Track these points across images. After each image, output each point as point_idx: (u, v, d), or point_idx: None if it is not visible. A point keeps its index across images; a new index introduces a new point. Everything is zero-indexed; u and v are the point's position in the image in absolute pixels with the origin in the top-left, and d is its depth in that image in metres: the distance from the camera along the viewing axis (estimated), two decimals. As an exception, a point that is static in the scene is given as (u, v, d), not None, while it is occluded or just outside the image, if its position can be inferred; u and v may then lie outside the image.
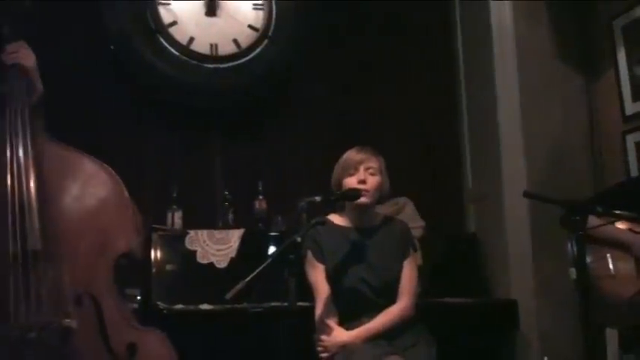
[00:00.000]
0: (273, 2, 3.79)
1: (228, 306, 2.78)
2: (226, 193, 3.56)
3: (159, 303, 2.96)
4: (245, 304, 2.94)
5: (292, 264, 2.23)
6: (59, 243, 2.09)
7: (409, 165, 3.88)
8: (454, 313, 3.22)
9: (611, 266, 2.56)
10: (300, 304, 2.28)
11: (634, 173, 3.47)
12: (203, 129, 3.73)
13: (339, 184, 2.58)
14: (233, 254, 3.22)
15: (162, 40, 3.62)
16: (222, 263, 3.20)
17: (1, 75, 2.23)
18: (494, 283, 3.64)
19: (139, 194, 2.34)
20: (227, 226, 3.42)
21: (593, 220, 2.40)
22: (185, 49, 3.65)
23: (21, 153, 2.13)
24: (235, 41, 3.74)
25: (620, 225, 2.60)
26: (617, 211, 2.39)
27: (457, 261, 3.66)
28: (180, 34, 3.66)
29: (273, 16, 3.78)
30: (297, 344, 2.25)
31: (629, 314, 2.50)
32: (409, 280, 2.56)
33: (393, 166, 2.70)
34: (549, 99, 3.75)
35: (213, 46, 3.70)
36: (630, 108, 3.55)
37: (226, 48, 3.72)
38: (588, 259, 2.45)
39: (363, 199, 2.51)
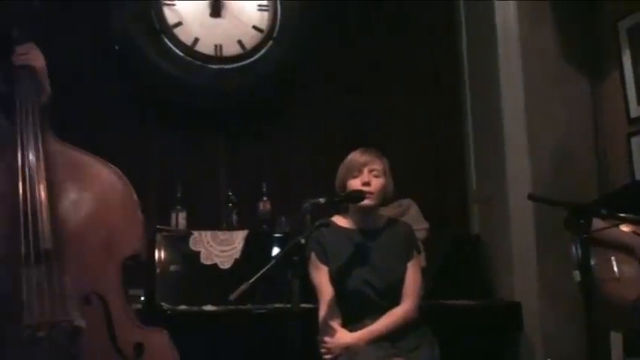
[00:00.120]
0: (278, 3, 3.79)
1: (232, 307, 2.78)
2: (230, 194, 3.57)
3: (162, 304, 2.96)
4: (249, 306, 2.94)
5: (296, 265, 2.23)
6: (68, 243, 2.11)
7: (413, 166, 3.88)
8: (458, 315, 3.22)
9: (615, 269, 2.55)
10: (303, 305, 2.28)
11: (639, 176, 3.46)
12: (207, 130, 3.73)
13: (343, 185, 2.58)
14: (237, 255, 3.22)
15: (166, 40, 3.62)
16: (226, 264, 3.20)
17: (12, 76, 2.25)
18: (498, 285, 3.63)
19: (143, 195, 2.34)
20: (231, 227, 3.42)
21: (597, 223, 2.39)
22: (190, 50, 3.65)
23: (32, 153, 2.15)
24: (240, 42, 3.74)
25: (625, 228, 2.59)
26: (622, 214, 2.38)
27: (461, 263, 3.65)
28: (184, 35, 3.66)
29: (278, 17, 3.78)
30: (300, 346, 2.25)
31: (633, 317, 2.49)
32: (413, 282, 2.56)
33: (397, 167, 2.70)
34: (554, 100, 3.74)
35: (218, 47, 3.71)
36: (635, 110, 3.54)
37: (231, 49, 3.72)
38: (592, 262, 2.44)
39: (367, 201, 2.51)
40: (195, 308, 2.93)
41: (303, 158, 3.83)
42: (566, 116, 3.75)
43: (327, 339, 2.46)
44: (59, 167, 2.19)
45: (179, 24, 3.67)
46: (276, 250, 3.30)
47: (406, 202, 3.61)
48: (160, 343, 2.16)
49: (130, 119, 3.63)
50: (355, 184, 2.54)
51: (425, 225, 3.56)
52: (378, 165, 2.57)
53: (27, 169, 2.12)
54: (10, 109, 2.23)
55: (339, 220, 2.63)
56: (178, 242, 3.23)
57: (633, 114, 3.55)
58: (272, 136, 3.84)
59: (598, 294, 2.39)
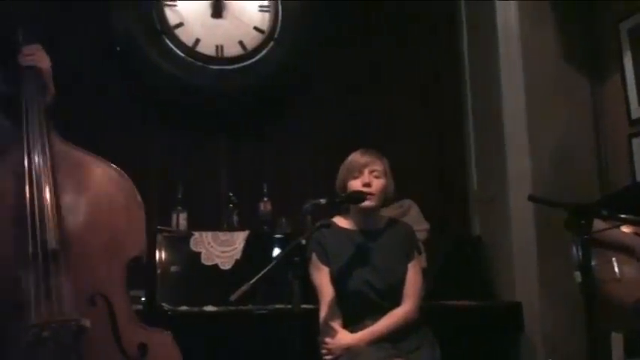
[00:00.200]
0: (279, 4, 3.79)
1: (233, 308, 2.78)
2: (231, 194, 3.57)
3: (163, 304, 2.96)
4: (249, 306, 2.94)
5: (297, 266, 2.23)
6: (74, 244, 2.12)
7: (414, 167, 3.88)
8: (459, 316, 3.22)
9: (616, 270, 2.55)
10: (304, 306, 2.28)
11: (640, 177, 3.46)
12: (208, 130, 3.74)
13: (344, 186, 2.58)
14: (238, 256, 3.22)
15: (167, 41, 3.63)
16: (226, 265, 3.20)
17: (17, 77, 2.26)
18: (499, 285, 3.63)
19: (143, 195, 2.34)
20: (232, 228, 3.42)
21: (598, 224, 2.39)
22: (191, 51, 3.65)
23: (39, 154, 2.16)
24: (241, 43, 3.74)
25: (626, 229, 2.59)
26: (623, 215, 2.37)
27: (462, 263, 3.65)
28: (186, 36, 3.67)
29: (279, 17, 3.78)
30: (301, 347, 2.25)
31: (634, 318, 2.49)
32: (414, 283, 2.56)
33: (398, 168, 2.70)
34: (555, 100, 3.74)
35: (219, 48, 3.71)
36: (636, 111, 3.54)
37: (232, 50, 3.73)
38: (593, 263, 2.44)
39: (367, 202, 2.51)
40: (195, 309, 2.94)
41: (303, 159, 3.83)
42: (567, 117, 3.75)
43: (327, 340, 2.46)
44: (65, 168, 2.20)
45: (180, 25, 3.67)
46: (276, 251, 3.30)
47: (407, 202, 3.61)
48: (163, 343, 2.18)
49: (131, 120, 3.63)
50: (356, 184, 2.54)
51: (425, 226, 3.56)
52: (378, 166, 2.57)
53: (34, 170, 2.13)
54: (13, 109, 2.24)
55: (340, 221, 2.63)
56: (179, 243, 3.24)
57: (634, 115, 3.55)
58: (273, 137, 3.84)
59: (599, 295, 2.39)
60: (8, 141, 2.21)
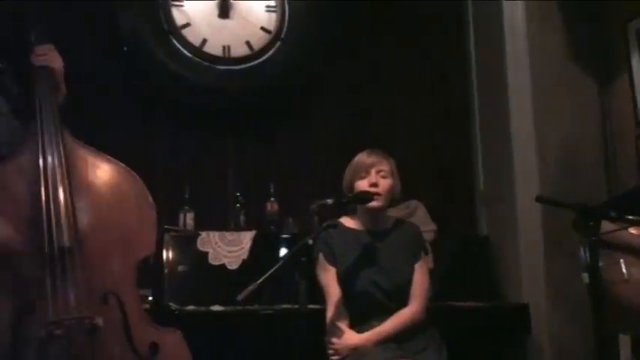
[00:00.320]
0: (286, 4, 3.80)
1: (240, 307, 2.78)
2: (238, 194, 3.57)
3: (171, 304, 2.97)
4: (256, 306, 2.94)
5: (303, 266, 2.24)
6: (87, 242, 2.13)
7: (421, 167, 3.88)
8: (465, 317, 3.21)
9: (624, 271, 2.54)
10: (311, 306, 2.29)
11: (647, 178, 3.44)
12: (215, 130, 3.74)
13: (351, 186, 2.58)
14: (245, 256, 3.22)
15: (174, 41, 3.64)
16: (233, 265, 3.21)
17: (30, 77, 2.27)
18: (506, 286, 3.62)
19: (151, 195, 2.35)
20: (239, 228, 3.43)
21: (606, 225, 2.38)
22: (198, 51, 3.66)
23: (53, 153, 2.16)
24: (248, 43, 3.75)
25: (634, 230, 2.58)
26: (631, 216, 2.37)
27: (469, 264, 3.64)
28: (192, 36, 3.68)
29: (286, 18, 3.79)
30: (307, 347, 2.25)
31: (642, 320, 2.48)
32: (420, 284, 2.56)
33: (405, 168, 2.70)
34: (562, 100, 3.72)
35: (226, 48, 3.72)
36: (644, 112, 3.53)
37: (239, 50, 3.73)
38: (601, 264, 2.43)
39: (375, 203, 2.51)
40: (203, 308, 2.94)
41: (310, 159, 3.83)
42: (574, 117, 3.74)
43: (334, 340, 2.46)
44: (77, 167, 2.21)
45: (187, 25, 3.68)
46: (283, 251, 3.30)
47: (413, 203, 3.61)
48: (174, 343, 2.18)
49: (138, 120, 3.64)
50: (363, 185, 2.54)
51: (432, 226, 3.55)
52: (385, 166, 2.57)
53: (48, 170, 2.13)
54: (23, 110, 2.26)
55: (347, 221, 2.63)
56: (186, 243, 3.24)
57: (642, 116, 3.54)
58: (280, 137, 3.85)
59: (606, 296, 2.38)
60: (19, 141, 2.22)
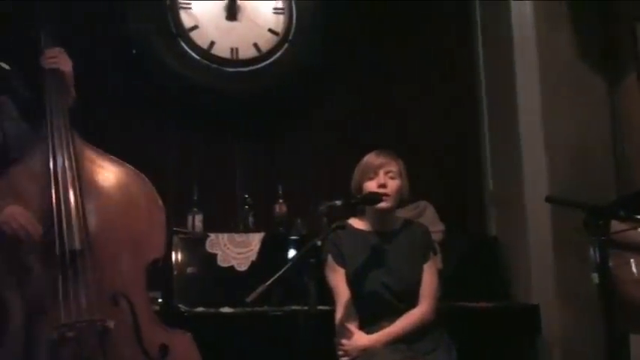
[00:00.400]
0: (294, 6, 3.80)
1: (249, 309, 2.80)
2: (246, 196, 3.57)
3: (180, 305, 2.98)
4: (265, 308, 2.95)
5: (312, 268, 2.24)
6: (97, 245, 2.14)
7: (429, 167, 3.87)
8: (475, 317, 3.21)
9: (634, 271, 2.52)
10: (320, 307, 2.29)
11: (658, 177, 3.43)
12: (223, 132, 3.75)
13: (359, 187, 2.58)
14: (254, 257, 3.23)
15: (183, 44, 3.65)
16: (242, 266, 3.21)
17: (40, 79, 2.28)
18: (516, 286, 3.61)
19: (160, 197, 2.36)
20: (247, 230, 3.43)
21: (616, 225, 2.37)
22: (206, 53, 3.67)
23: (63, 155, 2.19)
24: (256, 45, 3.75)
25: (644, 230, 2.56)
26: (641, 216, 2.36)
27: (478, 264, 3.63)
28: (200, 38, 3.68)
29: (294, 20, 3.79)
30: (317, 348, 2.25)
31: (652, 320, 2.47)
32: (430, 284, 2.56)
33: (413, 168, 2.69)
34: (571, 100, 3.71)
35: (234, 50, 3.72)
36: (654, 110, 3.51)
37: (247, 52, 3.74)
38: (611, 264, 2.41)
39: (383, 204, 2.51)
40: (212, 310, 2.95)
41: (319, 160, 3.82)
42: (583, 116, 3.72)
43: (343, 341, 2.46)
44: (87, 170, 2.23)
45: (195, 27, 3.69)
46: (292, 253, 3.30)
47: (422, 203, 3.60)
48: (183, 344, 2.21)
49: (147, 122, 3.65)
50: (371, 186, 2.54)
51: (441, 227, 3.55)
52: (393, 167, 2.57)
53: (59, 172, 2.15)
54: (33, 113, 2.27)
55: (356, 223, 2.63)
56: (195, 244, 3.26)
57: (652, 114, 3.52)
58: (288, 139, 3.85)
59: (617, 296, 2.37)
60: (29, 145, 2.23)
